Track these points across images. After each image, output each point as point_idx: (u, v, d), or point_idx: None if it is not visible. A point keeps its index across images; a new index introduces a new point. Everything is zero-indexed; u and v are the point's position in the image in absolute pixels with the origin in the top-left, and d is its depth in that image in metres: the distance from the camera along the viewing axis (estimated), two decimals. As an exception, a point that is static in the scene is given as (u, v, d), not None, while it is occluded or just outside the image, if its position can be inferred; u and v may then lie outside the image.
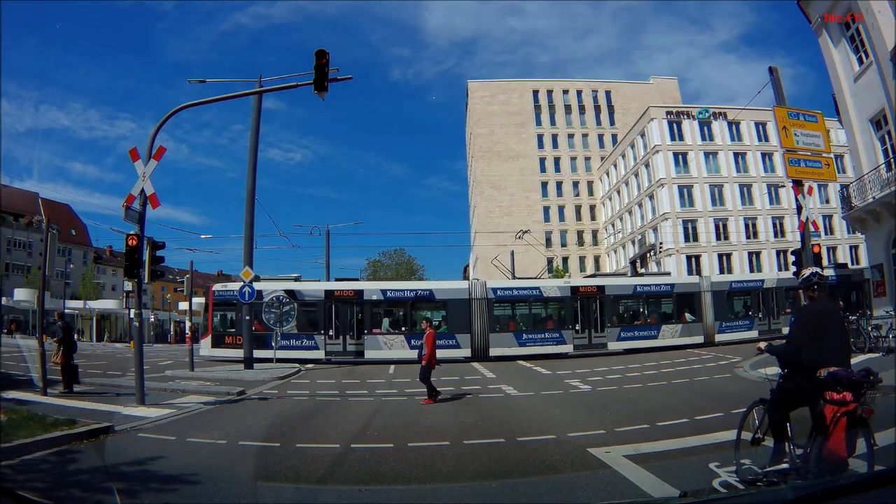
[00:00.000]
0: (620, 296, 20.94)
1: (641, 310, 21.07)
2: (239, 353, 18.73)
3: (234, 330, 19.88)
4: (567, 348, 19.79)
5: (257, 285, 20.00)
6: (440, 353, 19.19)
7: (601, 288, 20.70)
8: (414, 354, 18.73)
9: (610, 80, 60.65)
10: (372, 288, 21.30)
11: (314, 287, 21.22)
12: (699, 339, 20.36)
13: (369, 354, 19.44)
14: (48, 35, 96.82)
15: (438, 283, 21.80)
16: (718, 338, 20.44)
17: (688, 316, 20.92)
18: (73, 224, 59.61)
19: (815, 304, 4.06)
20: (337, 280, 22.69)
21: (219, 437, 6.56)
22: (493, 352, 19.41)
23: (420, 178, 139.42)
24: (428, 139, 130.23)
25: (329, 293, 20.25)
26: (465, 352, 19.41)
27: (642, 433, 6.27)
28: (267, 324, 18.61)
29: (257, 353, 17.74)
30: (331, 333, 19.78)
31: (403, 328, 20.00)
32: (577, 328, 20.15)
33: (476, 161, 58.36)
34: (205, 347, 20.19)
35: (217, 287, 21.17)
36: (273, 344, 18.08)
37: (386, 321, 20.27)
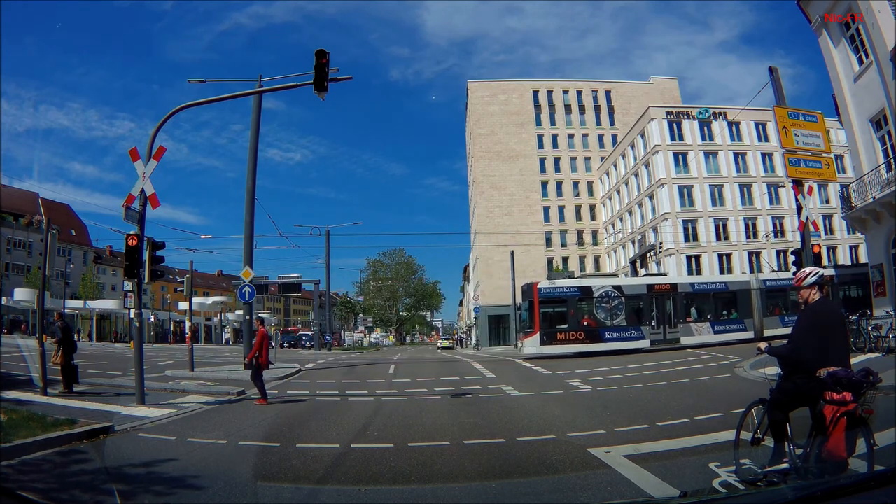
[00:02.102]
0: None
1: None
2: (571, 349, 20.93)
3: (565, 326, 21.55)
4: None
5: (585, 282, 23.15)
6: (730, 336, 22.00)
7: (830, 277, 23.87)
8: (717, 338, 21.77)
9: (610, 80, 60.59)
10: (684, 282, 24.58)
11: (637, 282, 24.16)
12: None
13: (685, 341, 21.70)
14: (48, 35, 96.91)
15: (729, 277, 25.98)
16: None
17: None
18: (73, 224, 59.59)
19: (819, 304, 4.04)
20: (647, 275, 25.52)
21: (219, 437, 6.56)
22: (766, 332, 21.59)
23: (419, 178, 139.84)
24: (427, 139, 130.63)
25: (650, 287, 22.76)
26: (749, 334, 22.03)
27: (642, 433, 6.26)
28: (599, 318, 20.98)
29: (589, 347, 20.53)
30: (653, 324, 22.00)
31: (709, 316, 22.65)
32: None
33: (476, 161, 58.33)
34: (531, 346, 21.36)
35: (543, 284, 22.42)
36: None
37: (694, 310, 22.89)
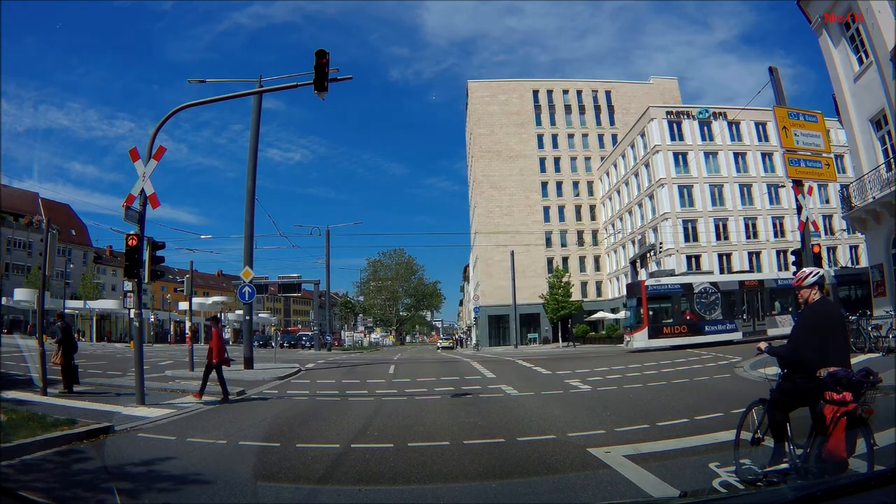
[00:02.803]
0: None
1: None
2: (675, 342, 22.05)
3: (670, 320, 23.30)
4: None
5: (686, 279, 24.85)
6: None
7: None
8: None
9: (610, 80, 60.58)
10: (770, 278, 26.07)
11: (731, 278, 26.01)
12: None
13: (771, 332, 22.75)
14: (48, 35, 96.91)
15: None
16: None
17: None
18: (73, 224, 59.57)
19: (819, 304, 4.03)
20: (735, 272, 27.71)
21: (219, 437, 6.56)
22: None
23: (419, 178, 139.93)
24: (427, 139, 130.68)
25: (741, 283, 24.58)
26: None
27: (642, 433, 6.26)
28: (699, 312, 22.89)
29: (691, 340, 21.61)
30: (744, 317, 23.74)
31: (790, 309, 23.65)
32: None
33: (476, 161, 58.33)
34: (640, 340, 22.81)
35: (650, 282, 23.96)
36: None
37: (778, 304, 24.50)
